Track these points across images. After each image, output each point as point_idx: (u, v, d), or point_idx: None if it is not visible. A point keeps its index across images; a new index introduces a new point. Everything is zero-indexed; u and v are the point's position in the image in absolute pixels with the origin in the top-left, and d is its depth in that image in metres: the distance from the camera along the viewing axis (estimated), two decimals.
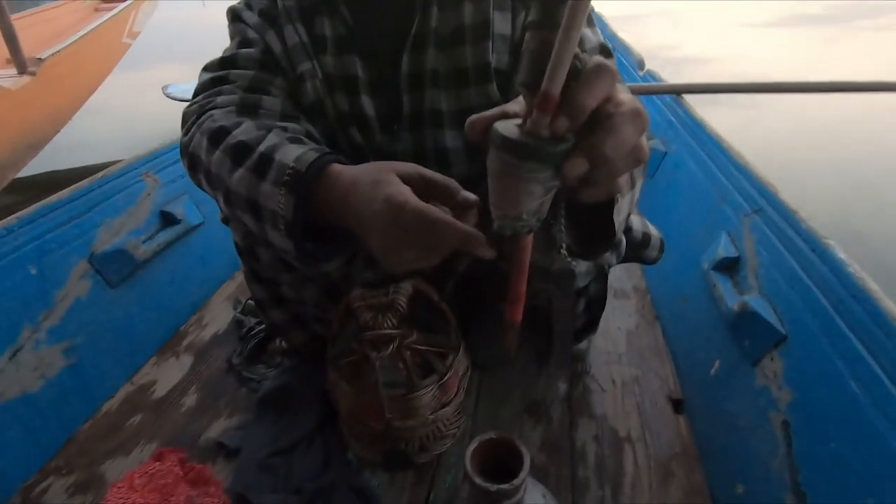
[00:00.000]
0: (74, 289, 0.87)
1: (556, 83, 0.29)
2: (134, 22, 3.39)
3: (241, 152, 0.50)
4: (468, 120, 0.35)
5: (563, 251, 0.37)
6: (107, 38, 3.03)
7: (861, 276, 0.59)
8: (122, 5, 3.24)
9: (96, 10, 3.44)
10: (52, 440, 0.79)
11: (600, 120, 0.31)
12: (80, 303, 0.88)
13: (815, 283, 0.64)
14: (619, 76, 0.58)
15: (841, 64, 4.56)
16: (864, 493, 0.49)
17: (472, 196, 0.44)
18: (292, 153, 0.48)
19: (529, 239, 0.36)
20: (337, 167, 0.47)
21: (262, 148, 0.50)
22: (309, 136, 0.59)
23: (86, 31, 2.71)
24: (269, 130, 0.52)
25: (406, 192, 0.42)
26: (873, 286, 0.57)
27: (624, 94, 0.32)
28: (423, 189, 0.43)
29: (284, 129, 0.55)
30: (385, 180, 0.43)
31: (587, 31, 0.59)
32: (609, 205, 0.38)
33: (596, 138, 0.30)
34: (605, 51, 0.60)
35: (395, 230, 0.41)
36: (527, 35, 0.31)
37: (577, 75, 0.29)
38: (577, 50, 0.28)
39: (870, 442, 0.50)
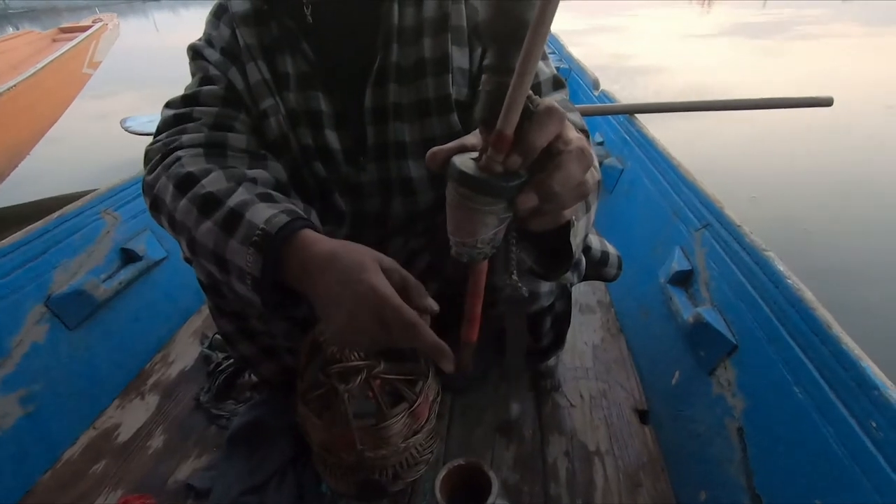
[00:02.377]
0: (30, 334, 0.85)
1: (509, 123, 0.31)
2: (95, 52, 3.31)
3: (209, 204, 0.51)
4: (429, 151, 0.37)
5: (514, 277, 0.39)
6: (66, 70, 2.95)
7: (799, 286, 0.62)
8: (82, 35, 3.15)
9: (54, 40, 3.37)
10: (9, 494, 0.76)
11: (550, 157, 0.33)
12: (36, 348, 0.85)
13: (759, 293, 0.68)
14: (571, 105, 0.61)
15: (775, 70, 4.95)
16: (811, 495, 0.52)
17: (434, 305, 0.47)
18: (263, 214, 0.48)
19: (485, 265, 0.38)
20: (310, 235, 0.47)
21: (231, 203, 0.50)
22: (278, 184, 0.59)
23: (44, 64, 2.64)
24: (238, 183, 0.53)
25: (389, 287, 0.44)
26: (809, 296, 0.60)
27: (572, 133, 0.34)
28: (399, 285, 0.46)
29: (254, 182, 0.55)
30: (371, 268, 0.44)
31: (540, 64, 0.63)
32: (566, 228, 0.40)
33: (546, 174, 0.33)
34: (557, 82, 0.63)
35: (368, 317, 0.43)
36: (483, 77, 0.33)
37: (530, 116, 0.31)
38: (530, 92, 0.31)
39: (813, 445, 0.53)
